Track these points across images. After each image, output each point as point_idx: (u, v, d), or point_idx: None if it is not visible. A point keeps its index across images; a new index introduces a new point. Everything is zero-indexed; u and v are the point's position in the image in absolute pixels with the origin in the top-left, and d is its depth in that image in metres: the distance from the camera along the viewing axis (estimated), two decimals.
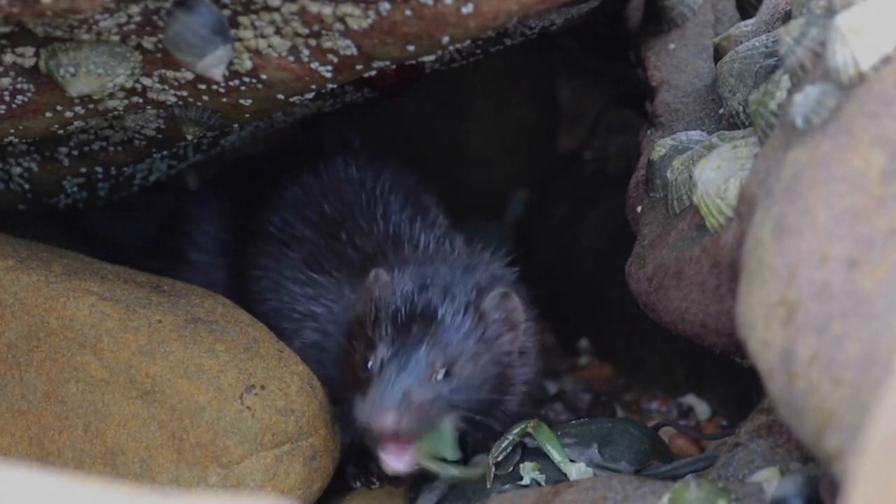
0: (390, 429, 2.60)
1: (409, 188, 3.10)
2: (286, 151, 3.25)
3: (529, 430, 2.74)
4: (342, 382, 2.81)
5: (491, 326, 2.74)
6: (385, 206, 3.02)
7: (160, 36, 2.47)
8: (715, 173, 2.50)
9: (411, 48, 2.49)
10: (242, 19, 2.47)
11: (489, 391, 2.74)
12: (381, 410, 2.60)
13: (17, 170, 2.92)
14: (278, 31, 2.49)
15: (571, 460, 2.74)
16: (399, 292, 2.73)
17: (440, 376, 2.67)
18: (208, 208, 3.28)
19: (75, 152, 2.87)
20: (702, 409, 3.14)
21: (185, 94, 2.60)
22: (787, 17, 2.69)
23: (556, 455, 2.73)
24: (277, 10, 2.45)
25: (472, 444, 2.81)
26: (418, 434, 2.65)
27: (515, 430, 2.74)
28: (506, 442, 2.73)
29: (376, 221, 3.00)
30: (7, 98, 2.58)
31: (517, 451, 2.76)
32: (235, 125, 2.77)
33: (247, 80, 2.56)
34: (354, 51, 2.51)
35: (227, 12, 2.46)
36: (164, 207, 3.39)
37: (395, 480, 2.82)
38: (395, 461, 2.67)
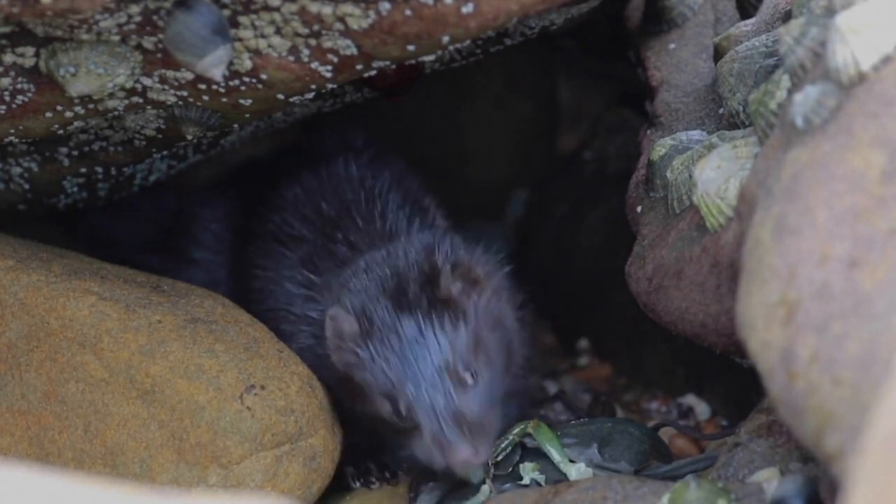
0: (480, 462, 2.62)
1: (409, 188, 3.09)
2: (292, 152, 3.25)
3: (529, 430, 2.74)
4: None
5: (467, 305, 2.72)
6: (383, 206, 3.01)
7: (160, 36, 2.47)
8: (715, 173, 2.50)
9: (411, 48, 2.49)
10: (242, 19, 2.47)
11: (506, 368, 2.72)
12: (462, 454, 2.59)
13: (17, 170, 2.92)
14: (278, 31, 2.49)
15: (571, 460, 2.73)
16: (363, 320, 2.71)
17: (469, 382, 2.66)
18: (214, 208, 3.28)
19: (75, 152, 2.87)
20: (702, 409, 3.13)
21: (185, 94, 2.60)
22: (787, 16, 2.68)
23: (555, 455, 2.73)
24: (277, 9, 2.45)
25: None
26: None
27: (515, 430, 2.74)
28: (506, 442, 2.73)
29: (374, 221, 2.98)
30: (7, 98, 2.58)
31: (517, 451, 2.76)
32: (235, 125, 2.77)
33: (247, 80, 2.56)
34: (354, 51, 2.51)
35: (227, 12, 2.46)
36: (166, 208, 3.39)
37: (393, 480, 2.83)
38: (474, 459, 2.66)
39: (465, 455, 2.60)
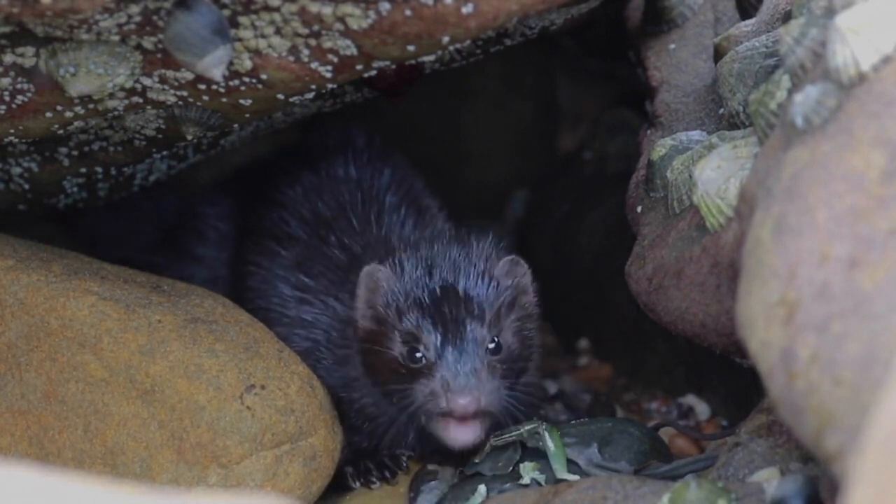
0: (473, 409, 2.66)
1: (409, 190, 3.09)
2: (297, 151, 3.25)
3: (542, 430, 2.74)
4: (349, 385, 2.82)
5: (507, 293, 2.77)
6: (380, 208, 3.02)
7: (160, 36, 2.47)
8: (715, 173, 2.50)
9: (411, 48, 2.49)
10: (242, 19, 2.47)
11: (525, 357, 2.78)
12: (462, 393, 2.65)
13: (17, 170, 2.92)
14: (278, 31, 2.49)
15: (570, 466, 2.73)
16: (411, 278, 2.74)
17: (491, 349, 2.71)
18: (220, 206, 3.28)
19: (75, 152, 2.87)
20: (702, 409, 3.14)
21: (185, 94, 2.60)
22: (787, 17, 2.69)
23: (558, 467, 2.72)
24: (277, 10, 2.45)
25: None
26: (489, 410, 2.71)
27: (527, 427, 2.74)
28: (513, 433, 2.73)
29: (370, 223, 2.99)
30: (7, 98, 2.58)
31: (517, 451, 2.76)
32: (235, 125, 2.77)
33: (247, 80, 2.56)
34: (354, 51, 2.51)
35: (227, 12, 2.46)
36: (167, 208, 3.39)
37: (393, 480, 2.83)
38: (463, 435, 2.72)
39: (467, 405, 2.65)
